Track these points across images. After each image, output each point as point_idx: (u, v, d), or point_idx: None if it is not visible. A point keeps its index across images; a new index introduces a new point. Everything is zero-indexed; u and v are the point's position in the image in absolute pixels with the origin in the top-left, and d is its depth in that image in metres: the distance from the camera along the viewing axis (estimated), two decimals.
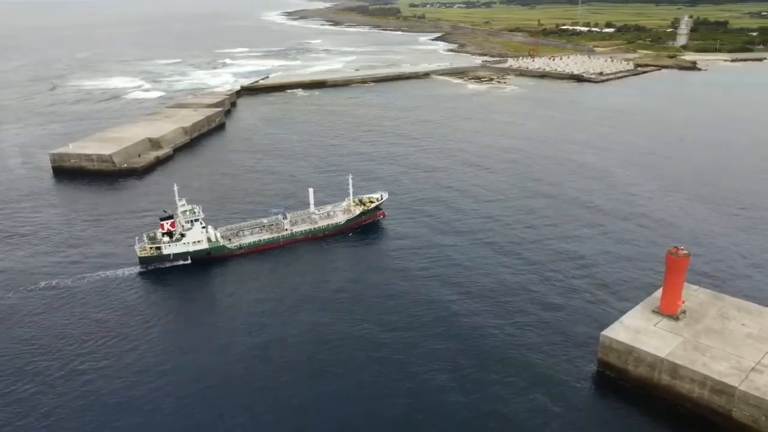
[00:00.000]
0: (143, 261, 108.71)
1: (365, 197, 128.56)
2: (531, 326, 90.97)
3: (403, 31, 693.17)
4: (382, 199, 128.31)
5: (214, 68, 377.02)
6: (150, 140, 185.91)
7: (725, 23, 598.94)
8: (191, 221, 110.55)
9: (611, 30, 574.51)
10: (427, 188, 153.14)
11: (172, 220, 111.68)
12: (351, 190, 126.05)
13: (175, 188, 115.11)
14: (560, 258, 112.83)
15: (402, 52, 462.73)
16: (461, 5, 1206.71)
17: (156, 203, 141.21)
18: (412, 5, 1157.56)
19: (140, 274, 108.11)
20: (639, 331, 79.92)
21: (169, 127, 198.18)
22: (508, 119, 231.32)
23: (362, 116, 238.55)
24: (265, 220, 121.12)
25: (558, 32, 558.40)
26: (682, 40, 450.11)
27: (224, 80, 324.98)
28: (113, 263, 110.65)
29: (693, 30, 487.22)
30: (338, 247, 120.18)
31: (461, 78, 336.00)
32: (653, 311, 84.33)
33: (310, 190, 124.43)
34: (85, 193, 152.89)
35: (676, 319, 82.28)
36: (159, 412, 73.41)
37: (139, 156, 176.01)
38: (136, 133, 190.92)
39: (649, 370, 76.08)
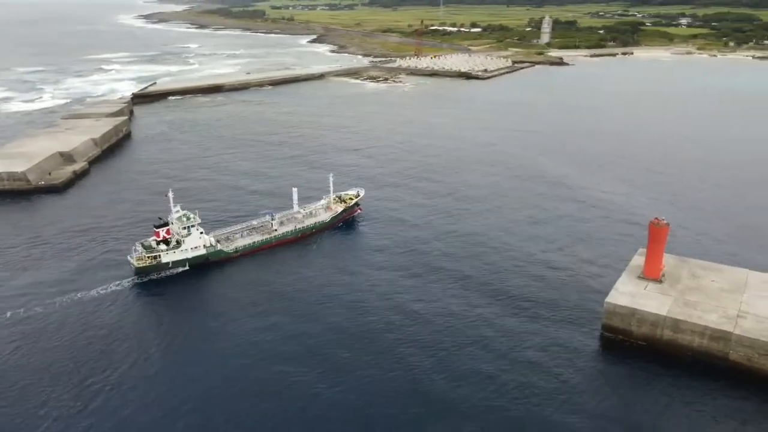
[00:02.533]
0: (140, 271, 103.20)
1: (343, 194, 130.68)
2: (526, 302, 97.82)
3: (276, 33, 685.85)
4: (359, 195, 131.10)
5: (91, 75, 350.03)
6: (61, 154, 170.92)
7: (574, 22, 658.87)
8: (188, 227, 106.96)
9: (478, 30, 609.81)
10: (388, 181, 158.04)
11: (167, 228, 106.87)
12: (331, 188, 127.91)
13: (170, 194, 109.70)
14: (528, 237, 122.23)
15: (286, 54, 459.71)
16: (324, 7, 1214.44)
17: (99, 218, 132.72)
18: (273, 7, 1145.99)
19: (137, 286, 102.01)
20: (635, 296, 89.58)
21: (78, 139, 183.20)
22: (423, 114, 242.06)
23: (278, 119, 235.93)
24: (254, 222, 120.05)
25: (430, 33, 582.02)
26: (545, 38, 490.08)
27: (109, 87, 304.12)
28: (88, 282, 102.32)
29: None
30: (329, 245, 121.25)
31: (356, 78, 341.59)
32: (639, 277, 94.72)
33: (294, 189, 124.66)
34: (6, 215, 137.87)
35: (660, 282, 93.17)
36: None
37: (50, 174, 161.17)
38: (42, 147, 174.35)
39: (651, 328, 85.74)
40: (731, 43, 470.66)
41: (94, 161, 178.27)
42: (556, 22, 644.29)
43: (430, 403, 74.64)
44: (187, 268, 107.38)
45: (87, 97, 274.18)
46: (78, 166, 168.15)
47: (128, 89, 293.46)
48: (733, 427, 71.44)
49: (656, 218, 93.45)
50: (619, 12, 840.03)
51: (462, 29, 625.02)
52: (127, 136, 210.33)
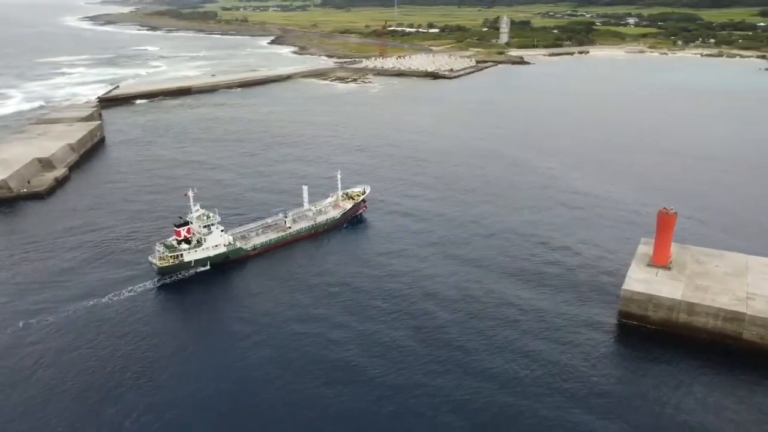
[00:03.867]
0: (163, 271, 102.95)
1: (350, 191, 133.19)
2: (538, 293, 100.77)
3: (231, 34, 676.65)
4: (365, 192, 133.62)
5: (51, 79, 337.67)
6: (39, 161, 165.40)
7: (528, 22, 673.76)
8: (208, 226, 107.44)
9: (436, 30, 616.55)
10: (387, 178, 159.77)
11: (188, 227, 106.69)
12: (339, 185, 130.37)
13: (191, 193, 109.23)
14: (531, 229, 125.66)
15: (248, 55, 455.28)
16: (276, 8, 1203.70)
17: (91, 224, 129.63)
18: (224, 8, 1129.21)
19: (158, 288, 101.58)
20: (649, 282, 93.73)
21: (54, 144, 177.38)
22: (403, 113, 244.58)
23: (258, 120, 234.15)
24: (268, 220, 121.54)
25: (390, 33, 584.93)
26: (504, 38, 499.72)
27: (71, 91, 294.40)
28: (99, 289, 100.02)
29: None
30: (343, 241, 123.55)
31: (325, 79, 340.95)
32: (648, 265, 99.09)
33: (305, 187, 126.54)
34: None
35: (669, 268, 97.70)
36: None
37: (29, 181, 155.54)
38: (18, 153, 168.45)
39: (668, 312, 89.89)
40: (679, 42, 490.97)
41: (73, 167, 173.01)
42: (511, 22, 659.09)
43: (461, 382, 77.86)
44: (208, 267, 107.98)
45: (50, 102, 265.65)
46: (59, 172, 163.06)
47: (91, 93, 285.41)
48: (748, 401, 75.34)
49: (664, 208, 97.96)
50: (568, 12, 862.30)
51: (420, 30, 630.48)
52: (102, 140, 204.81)
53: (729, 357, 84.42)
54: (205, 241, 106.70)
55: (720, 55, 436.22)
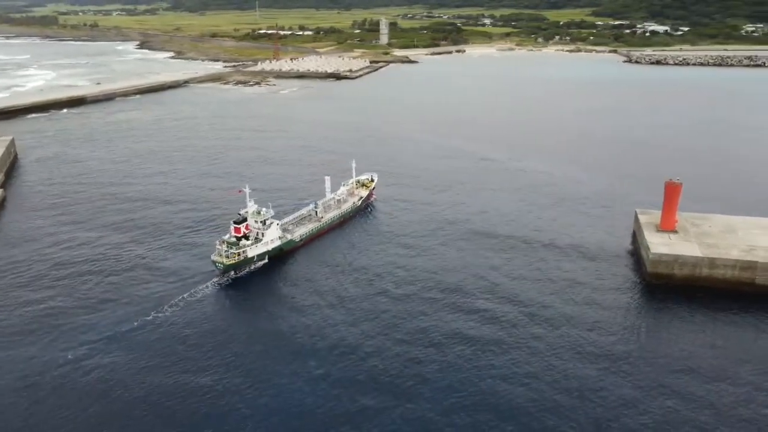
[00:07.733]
0: (228, 269, 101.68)
1: (361, 179, 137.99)
2: (557, 264, 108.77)
3: (85, 40, 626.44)
4: (374, 180, 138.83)
5: None
6: None
7: (395, 23, 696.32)
8: (264, 221, 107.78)
9: (310, 33, 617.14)
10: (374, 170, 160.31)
11: (247, 223, 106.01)
12: (354, 174, 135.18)
13: (247, 190, 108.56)
14: (526, 215, 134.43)
15: (123, 61, 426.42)
16: (120, 12, 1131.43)
17: (78, 239, 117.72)
18: (61, 13, 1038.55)
19: (223, 288, 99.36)
20: (669, 245, 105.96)
21: None
22: (332, 114, 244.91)
23: (185, 125, 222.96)
24: (303, 211, 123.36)
25: (266, 36, 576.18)
26: (384, 39, 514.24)
27: None
28: (132, 309, 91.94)
29: (373, 29, 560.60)
30: (368, 227, 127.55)
31: (225, 83, 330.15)
32: (658, 231, 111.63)
33: (327, 178, 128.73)
34: None
35: (676, 232, 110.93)
36: None
37: None
38: None
39: (692, 268, 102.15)
40: (540, 40, 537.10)
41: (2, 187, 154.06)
42: (377, 24, 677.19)
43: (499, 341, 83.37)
44: (266, 260, 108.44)
45: None
46: None
47: None
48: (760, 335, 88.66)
49: (670, 179, 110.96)
50: (425, 14, 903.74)
51: (294, 32, 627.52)
52: (15, 158, 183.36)
53: (746, 300, 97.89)
54: (263, 235, 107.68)
55: (578, 50, 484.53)
